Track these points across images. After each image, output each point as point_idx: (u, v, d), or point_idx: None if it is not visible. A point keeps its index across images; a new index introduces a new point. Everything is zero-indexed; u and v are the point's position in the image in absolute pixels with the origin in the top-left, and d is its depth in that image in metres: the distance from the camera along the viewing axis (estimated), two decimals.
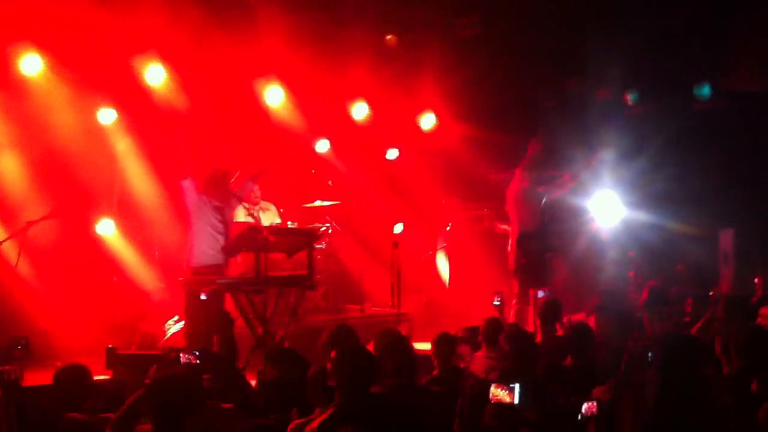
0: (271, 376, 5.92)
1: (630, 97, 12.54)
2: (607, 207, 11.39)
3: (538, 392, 4.32)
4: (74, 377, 5.49)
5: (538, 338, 7.29)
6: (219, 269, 8.38)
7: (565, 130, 11.32)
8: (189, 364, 5.72)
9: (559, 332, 7.43)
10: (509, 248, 10.00)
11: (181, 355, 6.22)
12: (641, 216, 11.61)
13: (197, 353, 6.06)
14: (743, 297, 8.58)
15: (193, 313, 8.10)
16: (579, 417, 4.39)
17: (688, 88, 12.46)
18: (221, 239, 8.40)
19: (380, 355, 5.51)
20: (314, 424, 4.38)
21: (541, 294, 9.20)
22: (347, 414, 4.41)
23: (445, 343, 6.25)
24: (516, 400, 4.01)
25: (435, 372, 6.23)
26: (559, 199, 10.17)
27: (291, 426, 4.75)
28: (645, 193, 11.74)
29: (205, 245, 8.34)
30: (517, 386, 4.02)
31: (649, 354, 4.86)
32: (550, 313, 7.28)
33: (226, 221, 8.52)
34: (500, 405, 4.02)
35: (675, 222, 11.68)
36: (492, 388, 4.05)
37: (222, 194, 8.48)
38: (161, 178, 10.21)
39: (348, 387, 4.54)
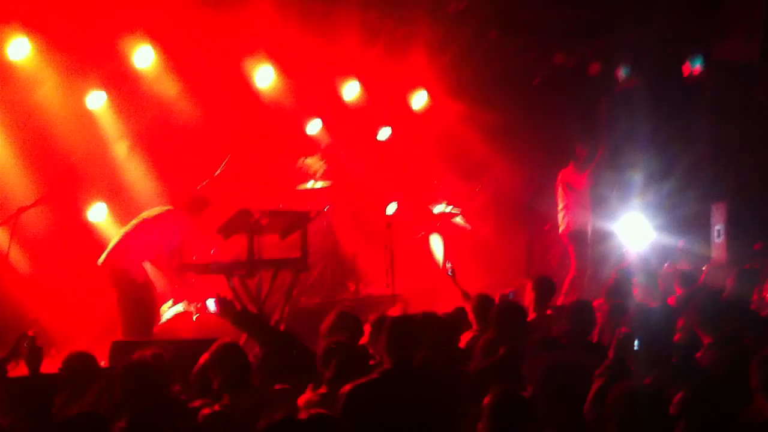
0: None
1: (622, 72, 12.51)
2: (636, 229, 11.42)
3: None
4: (83, 366, 5.42)
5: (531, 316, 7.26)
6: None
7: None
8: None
9: (548, 312, 7.45)
10: None
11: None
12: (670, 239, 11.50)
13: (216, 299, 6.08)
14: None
15: (128, 297, 8.05)
16: None
17: (679, 60, 12.44)
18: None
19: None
20: (348, 387, 4.43)
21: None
22: (394, 378, 4.48)
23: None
24: None
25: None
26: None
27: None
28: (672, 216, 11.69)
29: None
30: None
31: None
32: (545, 291, 7.28)
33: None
34: None
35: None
36: None
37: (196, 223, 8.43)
38: (153, 163, 10.14)
39: (396, 354, 4.57)
